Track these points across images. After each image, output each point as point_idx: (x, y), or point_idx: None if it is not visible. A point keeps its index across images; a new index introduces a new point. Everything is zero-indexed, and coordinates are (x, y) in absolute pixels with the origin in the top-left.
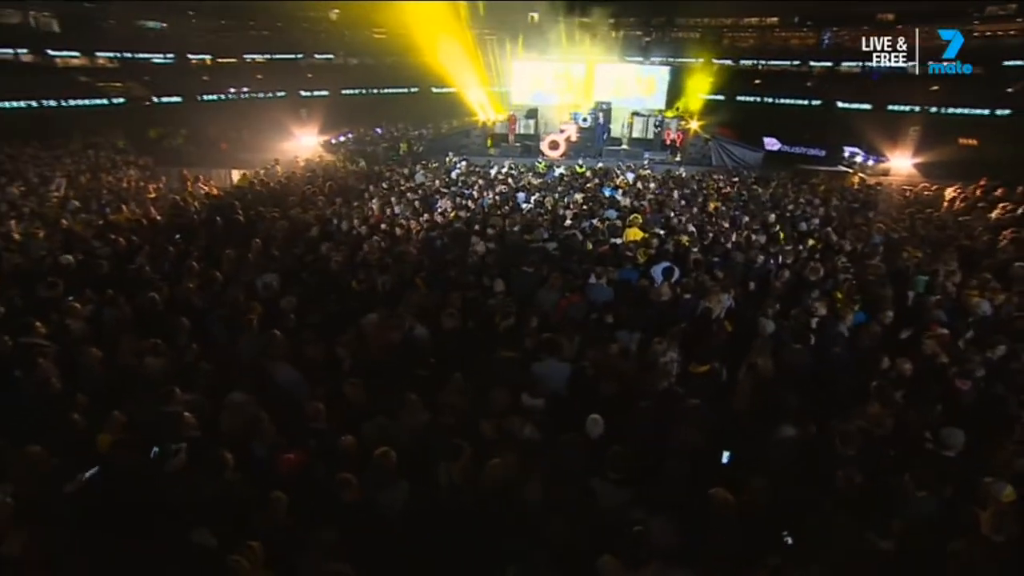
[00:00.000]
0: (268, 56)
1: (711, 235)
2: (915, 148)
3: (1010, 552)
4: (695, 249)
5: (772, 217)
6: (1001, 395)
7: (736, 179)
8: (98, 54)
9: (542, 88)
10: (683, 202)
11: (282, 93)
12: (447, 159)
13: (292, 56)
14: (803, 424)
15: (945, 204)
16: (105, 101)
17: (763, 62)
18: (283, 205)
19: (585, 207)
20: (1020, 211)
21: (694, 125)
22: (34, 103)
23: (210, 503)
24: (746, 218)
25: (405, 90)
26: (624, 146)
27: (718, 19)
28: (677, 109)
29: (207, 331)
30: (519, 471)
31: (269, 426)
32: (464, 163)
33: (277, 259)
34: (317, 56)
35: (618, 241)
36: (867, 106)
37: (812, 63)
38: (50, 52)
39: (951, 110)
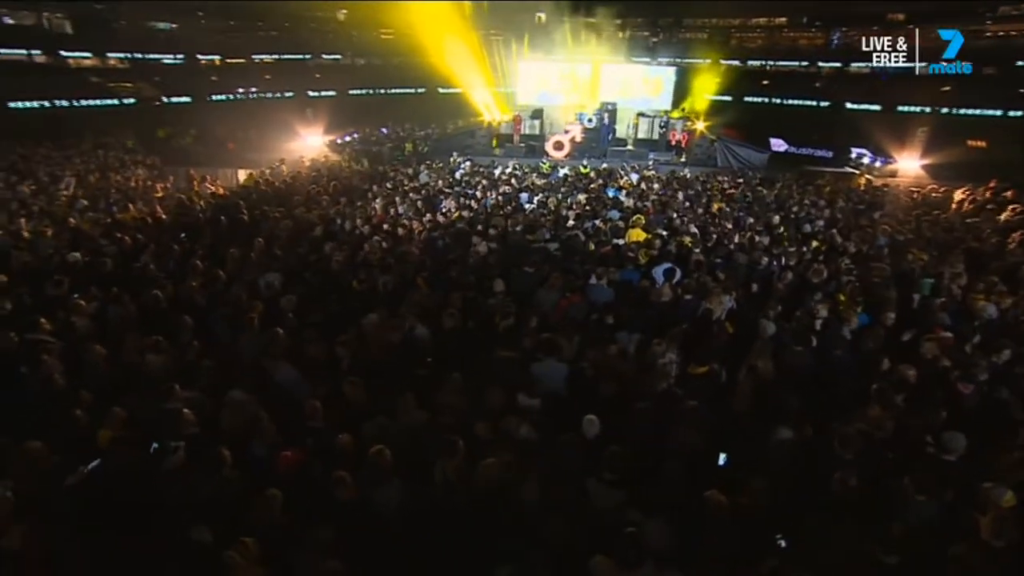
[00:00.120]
0: (276, 56)
1: (714, 236)
2: (923, 149)
3: (1010, 557)
4: (697, 250)
5: (776, 218)
6: (1004, 399)
7: (740, 180)
8: (109, 55)
9: (548, 88)
10: (687, 203)
11: (290, 93)
12: (451, 159)
13: (300, 56)
14: (800, 426)
15: (954, 206)
16: (116, 101)
17: (771, 63)
18: (287, 205)
19: (588, 208)
20: None
21: (700, 126)
22: (47, 103)
23: (207, 500)
24: (750, 219)
25: (412, 90)
26: (629, 147)
27: (726, 19)
28: (683, 110)
29: (210, 329)
30: (514, 470)
31: (268, 425)
32: (468, 163)
33: (280, 258)
34: (325, 56)
35: (620, 242)
36: (876, 107)
37: (821, 64)
38: (63, 53)
39: (962, 111)
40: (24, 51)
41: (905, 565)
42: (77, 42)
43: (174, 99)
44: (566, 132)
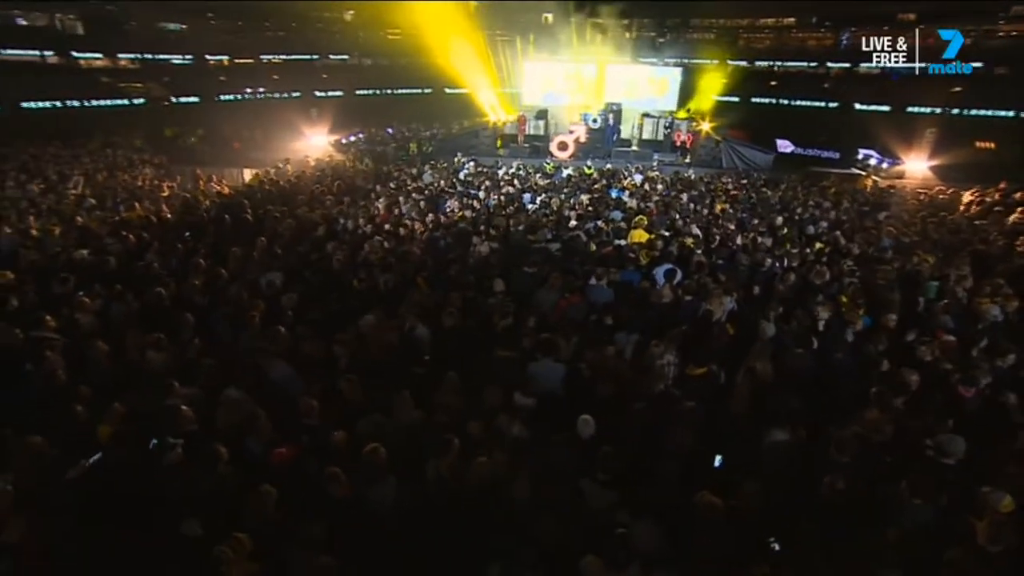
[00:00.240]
0: (284, 57)
1: (717, 238)
2: (931, 150)
3: (1007, 563)
4: (699, 251)
5: (780, 220)
6: (1008, 403)
7: (744, 181)
8: (120, 55)
9: (553, 89)
10: (691, 204)
11: (297, 93)
12: (455, 159)
13: (307, 57)
14: (795, 429)
15: (961, 207)
16: (126, 101)
17: (779, 63)
18: (291, 204)
19: (590, 208)
20: None
21: (706, 126)
22: (58, 103)
23: (204, 496)
24: (755, 220)
25: (418, 91)
26: (634, 147)
27: (734, 20)
28: (688, 110)
29: (211, 327)
30: (507, 469)
31: (264, 422)
32: (472, 163)
33: (281, 257)
34: (332, 57)
35: (622, 243)
36: (885, 108)
37: (830, 64)
38: (74, 54)
39: (974, 112)
40: (37, 52)
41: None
42: (88, 43)
43: (183, 99)
44: (570, 133)
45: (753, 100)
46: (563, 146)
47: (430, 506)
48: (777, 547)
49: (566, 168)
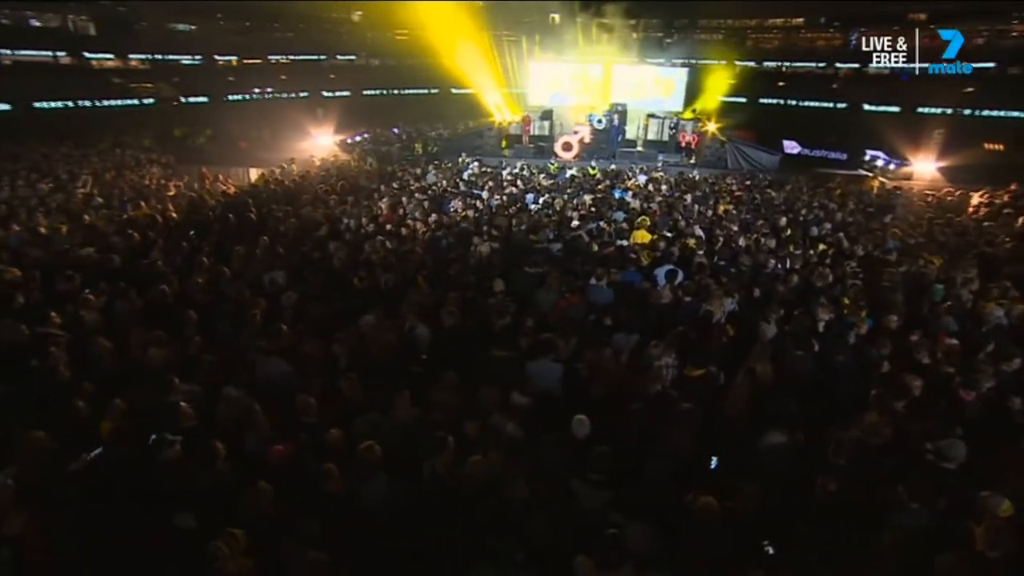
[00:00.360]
0: (292, 57)
1: (721, 239)
2: (939, 152)
3: (1004, 569)
4: (700, 252)
5: (784, 221)
6: (1008, 407)
7: (749, 182)
8: (131, 56)
9: (559, 89)
10: (696, 206)
11: (305, 93)
12: (460, 160)
13: (315, 57)
14: (792, 431)
15: (970, 209)
16: (136, 102)
17: (787, 64)
18: (296, 204)
19: (593, 209)
20: None
21: (711, 127)
22: (70, 103)
23: (202, 491)
24: (759, 222)
25: (425, 91)
26: (639, 148)
27: (742, 20)
28: (694, 111)
29: (213, 325)
30: (502, 469)
31: (262, 419)
32: (476, 164)
33: (283, 256)
34: (339, 57)
35: (624, 243)
36: (895, 108)
37: (838, 65)
38: (86, 54)
39: (985, 112)
40: (50, 53)
41: (894, 574)
42: (100, 44)
43: (192, 99)
44: (575, 133)
45: (761, 101)
46: (567, 147)
47: (424, 504)
48: (771, 550)
49: (570, 169)
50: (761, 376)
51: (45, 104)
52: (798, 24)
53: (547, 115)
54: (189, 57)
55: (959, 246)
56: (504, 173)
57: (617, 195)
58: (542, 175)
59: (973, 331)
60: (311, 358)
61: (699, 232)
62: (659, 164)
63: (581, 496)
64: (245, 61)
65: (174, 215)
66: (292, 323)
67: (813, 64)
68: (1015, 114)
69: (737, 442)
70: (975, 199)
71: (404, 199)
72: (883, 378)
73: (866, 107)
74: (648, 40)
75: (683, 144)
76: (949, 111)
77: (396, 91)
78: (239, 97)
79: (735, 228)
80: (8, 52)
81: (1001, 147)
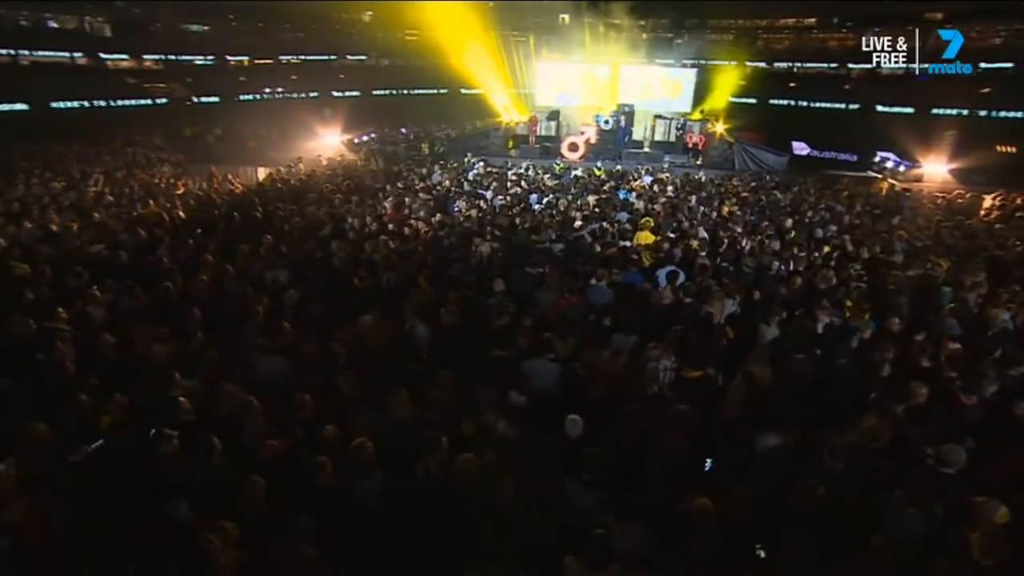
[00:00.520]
0: (303, 57)
1: (726, 241)
2: (951, 153)
3: None
4: (703, 253)
5: (789, 223)
6: (1011, 412)
7: (754, 183)
8: (145, 56)
9: (566, 90)
10: (701, 207)
11: (315, 93)
12: (465, 160)
13: (325, 57)
14: (787, 433)
15: (982, 212)
16: (149, 101)
17: (799, 64)
18: (301, 203)
19: (597, 209)
20: None
21: (720, 128)
22: (86, 103)
23: (198, 484)
24: (765, 223)
25: (434, 91)
26: (645, 149)
27: (753, 20)
28: (702, 112)
29: (216, 322)
30: (494, 468)
31: (259, 416)
32: (482, 164)
33: (287, 255)
34: (350, 57)
35: (627, 244)
36: (909, 110)
37: (851, 65)
38: (102, 55)
39: (1003, 114)
40: (67, 54)
41: None
42: (116, 44)
43: (204, 99)
44: (581, 134)
45: (771, 102)
46: (574, 147)
47: (417, 502)
48: (763, 554)
49: (575, 169)
50: (759, 379)
51: (62, 104)
52: (810, 24)
53: (554, 116)
54: (202, 57)
55: (968, 249)
56: (509, 174)
57: (622, 196)
58: (547, 175)
59: (979, 335)
60: (310, 356)
61: (703, 234)
62: (665, 165)
63: (573, 496)
64: (256, 61)
65: (181, 214)
66: (293, 321)
67: (825, 65)
68: None
69: (733, 444)
70: (988, 201)
71: (407, 200)
72: (884, 382)
73: (879, 108)
74: (657, 40)
75: (690, 145)
76: (965, 112)
77: (405, 91)
78: (250, 97)
79: (739, 230)
80: (27, 53)
81: (1013, 149)
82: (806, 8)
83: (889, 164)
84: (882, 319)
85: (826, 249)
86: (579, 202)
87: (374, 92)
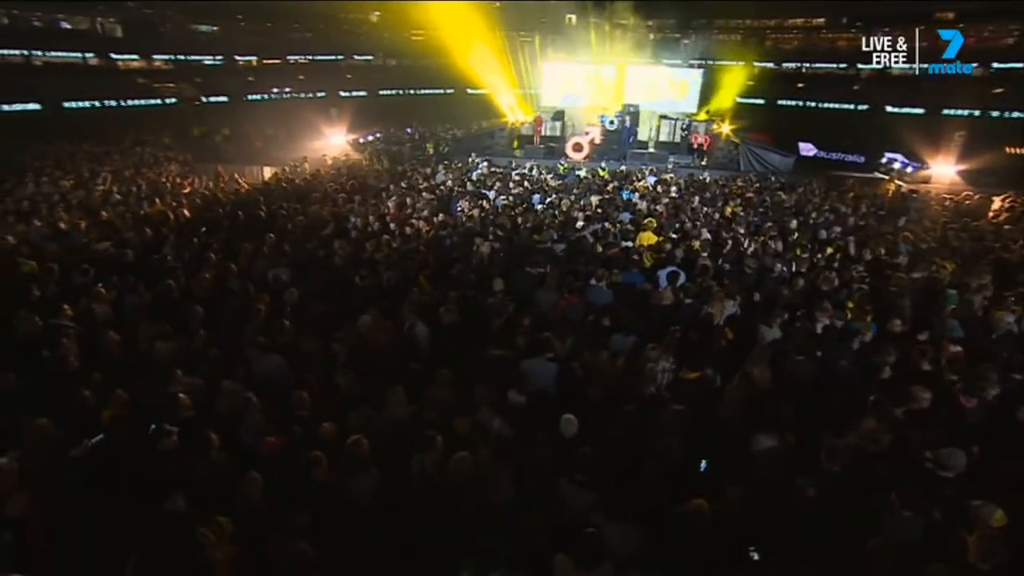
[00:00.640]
0: (310, 57)
1: (729, 242)
2: (959, 154)
3: None
4: (704, 254)
5: (794, 224)
6: (1011, 416)
7: (758, 184)
8: (155, 57)
9: (572, 90)
10: (704, 208)
11: (322, 93)
12: (469, 160)
13: (333, 57)
14: (782, 435)
15: (991, 214)
16: (159, 101)
17: (807, 65)
18: (305, 202)
19: (600, 210)
20: None
21: (726, 129)
22: (97, 103)
23: (196, 480)
24: (768, 224)
25: (441, 91)
26: (650, 149)
27: (761, 20)
28: (708, 112)
29: (219, 319)
30: (488, 466)
31: (257, 411)
32: (485, 164)
33: (289, 254)
34: (357, 57)
35: (629, 244)
36: (919, 110)
37: (861, 66)
38: (113, 55)
39: (1016, 114)
40: (79, 54)
41: None
42: (126, 45)
43: (212, 99)
44: (586, 134)
45: (779, 103)
46: (578, 147)
47: (410, 499)
48: (756, 556)
49: (578, 170)
50: (758, 380)
51: (74, 104)
52: (819, 24)
53: (559, 116)
54: (211, 57)
55: (974, 251)
56: (513, 174)
57: (625, 196)
58: (550, 175)
59: (982, 338)
60: (309, 355)
61: (706, 235)
62: (669, 166)
63: (567, 496)
64: (265, 61)
65: (186, 212)
66: (293, 320)
67: (834, 65)
68: None
69: (730, 445)
70: (997, 203)
71: (408, 200)
72: (883, 384)
73: (888, 109)
74: (664, 40)
75: (695, 146)
76: (977, 113)
77: (412, 91)
78: (258, 97)
79: (742, 231)
80: (40, 53)
81: (1022, 151)
82: (817, 8)
83: (896, 165)
84: (884, 321)
85: (829, 251)
86: (582, 202)
87: (381, 92)
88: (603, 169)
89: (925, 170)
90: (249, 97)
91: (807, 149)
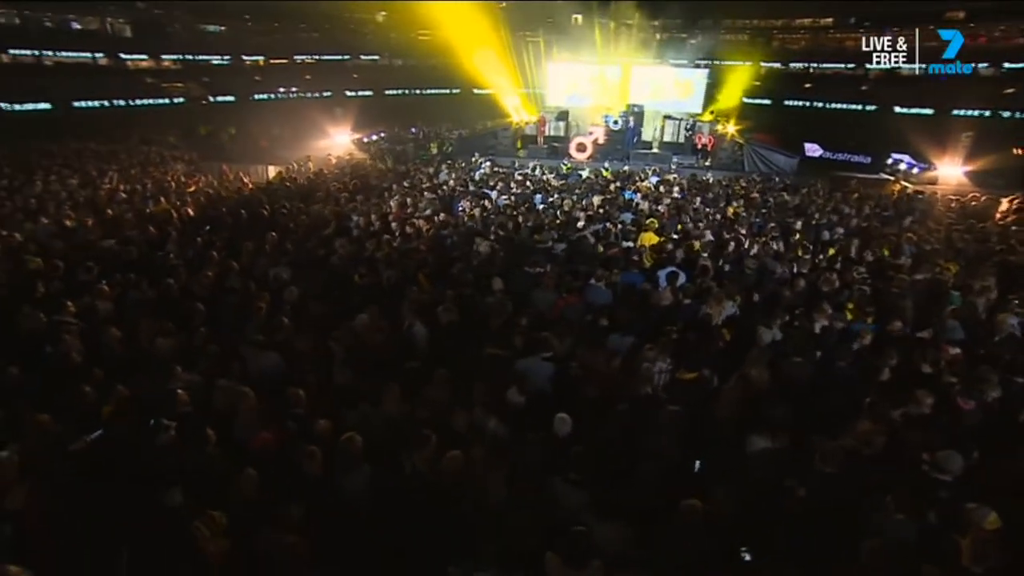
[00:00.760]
0: (317, 57)
1: (732, 244)
2: (967, 155)
3: None
4: (705, 254)
5: (799, 224)
6: (1011, 418)
7: (760, 184)
8: (163, 57)
9: (577, 91)
10: (707, 208)
11: (328, 93)
12: (472, 159)
13: (339, 57)
14: (776, 436)
15: (998, 215)
16: (167, 101)
17: (815, 65)
18: (308, 201)
19: (601, 210)
20: None
21: (731, 129)
22: (106, 103)
23: (193, 474)
24: (771, 224)
25: (447, 91)
26: (654, 150)
27: (768, 20)
28: (712, 113)
29: (219, 317)
30: (481, 465)
31: (252, 407)
32: (488, 164)
33: (291, 252)
34: (363, 57)
35: (630, 244)
36: (928, 111)
37: (869, 65)
38: (122, 55)
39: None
40: (89, 54)
41: None
42: (135, 45)
43: (219, 98)
44: (589, 134)
45: (786, 103)
46: (581, 147)
47: (402, 497)
48: (748, 557)
49: (581, 170)
50: (756, 381)
51: (84, 103)
52: (827, 24)
53: (563, 116)
54: (218, 57)
55: (979, 253)
56: (516, 174)
57: (627, 196)
58: (553, 176)
59: (985, 340)
60: (305, 353)
61: (709, 236)
62: (672, 166)
63: (561, 495)
64: (271, 61)
65: (190, 211)
66: (292, 318)
67: (842, 65)
68: None
69: (725, 446)
70: (1004, 205)
71: (409, 200)
72: (881, 386)
73: (897, 109)
74: (671, 40)
75: (699, 146)
76: (988, 113)
77: (418, 91)
78: (265, 96)
79: (743, 231)
80: (50, 53)
81: None
82: (825, 8)
83: (902, 166)
84: (884, 322)
85: (831, 252)
86: (584, 202)
87: (386, 92)
88: (606, 169)
89: (932, 171)
90: (256, 96)
91: (813, 150)
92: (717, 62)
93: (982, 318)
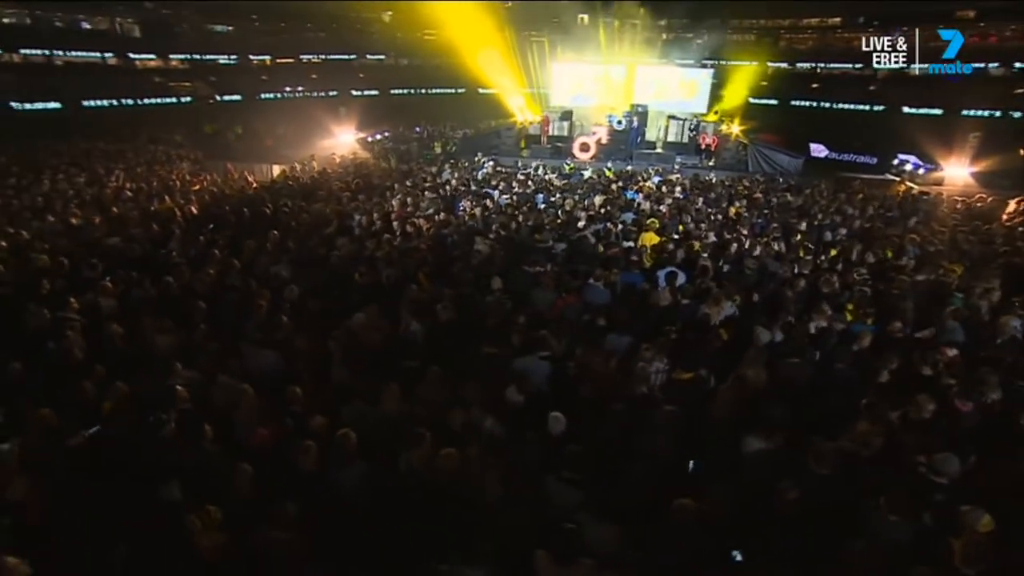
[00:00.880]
0: (323, 57)
1: (734, 245)
2: (974, 156)
3: None
4: (705, 255)
5: (803, 225)
6: (1011, 420)
7: (763, 185)
8: (171, 56)
9: (582, 91)
10: (708, 208)
11: (334, 92)
12: (475, 159)
13: (345, 57)
14: (770, 436)
15: (1004, 217)
16: (175, 100)
17: (822, 65)
18: (311, 199)
19: (603, 210)
20: None
21: (735, 129)
22: (115, 102)
23: (190, 469)
24: (773, 225)
25: (452, 91)
26: (658, 150)
27: (775, 20)
28: (717, 113)
29: (220, 314)
30: (476, 463)
31: (250, 404)
32: (491, 163)
33: (292, 250)
34: (369, 57)
35: (630, 244)
36: (937, 111)
37: (877, 65)
38: (131, 55)
39: None
40: (98, 54)
41: None
42: (144, 45)
43: (226, 98)
44: (593, 134)
45: (792, 103)
46: (585, 147)
47: (396, 495)
48: (739, 557)
49: (584, 171)
50: (753, 381)
51: (93, 103)
52: (835, 24)
53: (567, 115)
54: (225, 57)
55: (983, 255)
56: (518, 174)
57: (629, 196)
58: (555, 175)
59: (986, 342)
60: (303, 352)
61: (712, 236)
62: (675, 166)
63: (554, 493)
64: (278, 61)
65: (194, 209)
66: (292, 316)
67: (850, 65)
68: None
69: (720, 446)
70: (1011, 206)
71: (410, 199)
72: (880, 388)
73: (905, 109)
74: (676, 40)
75: (703, 146)
76: (998, 114)
77: (423, 91)
78: (271, 95)
79: (744, 231)
80: (61, 53)
81: None
82: (832, 8)
83: (908, 167)
84: (884, 324)
85: (833, 252)
86: (586, 202)
87: (392, 91)
88: (609, 169)
89: (938, 172)
90: (262, 96)
91: (818, 150)
92: (723, 62)
93: (985, 320)
